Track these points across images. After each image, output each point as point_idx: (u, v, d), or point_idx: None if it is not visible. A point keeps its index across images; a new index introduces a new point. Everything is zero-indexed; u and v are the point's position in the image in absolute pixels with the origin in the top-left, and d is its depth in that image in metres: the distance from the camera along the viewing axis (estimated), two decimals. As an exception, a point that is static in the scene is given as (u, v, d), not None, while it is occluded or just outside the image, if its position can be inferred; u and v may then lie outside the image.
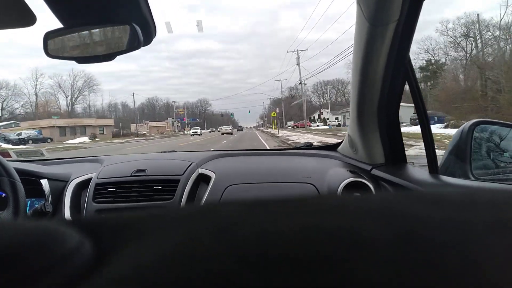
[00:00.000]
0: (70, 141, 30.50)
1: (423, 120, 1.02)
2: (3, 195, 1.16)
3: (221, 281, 0.16)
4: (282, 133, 26.45)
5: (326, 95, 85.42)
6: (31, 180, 1.35)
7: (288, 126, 55.51)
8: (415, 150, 5.15)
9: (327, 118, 61.60)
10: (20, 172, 1.24)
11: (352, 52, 1.12)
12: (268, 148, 6.32)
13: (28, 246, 0.19)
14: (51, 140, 34.04)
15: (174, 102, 76.15)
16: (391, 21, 0.89)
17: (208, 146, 15.61)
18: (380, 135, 1.17)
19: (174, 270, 0.17)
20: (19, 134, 31.70)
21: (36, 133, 34.41)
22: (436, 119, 21.97)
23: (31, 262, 0.18)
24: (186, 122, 71.59)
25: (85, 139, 34.57)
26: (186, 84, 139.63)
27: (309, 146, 1.82)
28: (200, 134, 42.14)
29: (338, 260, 0.17)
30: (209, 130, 72.35)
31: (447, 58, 46.52)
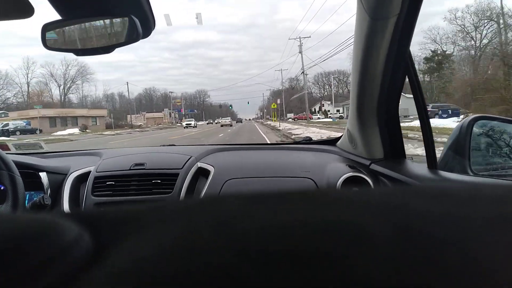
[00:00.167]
0: (58, 133, 28.62)
1: (423, 115, 1.02)
2: (2, 188, 1.15)
3: (221, 275, 0.16)
4: (283, 126, 24.81)
5: (327, 87, 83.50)
6: (30, 173, 1.34)
7: (289, 119, 53.81)
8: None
9: (328, 110, 60.02)
10: (19, 165, 1.23)
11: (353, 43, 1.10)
12: (268, 142, 6.13)
13: (26, 239, 0.19)
14: (40, 131, 32.31)
15: (171, 92, 74.21)
16: (392, 15, 0.89)
17: (202, 140, 14.03)
18: (379, 130, 1.17)
19: (173, 264, 0.17)
20: (6, 125, 30.66)
21: (25, 123, 32.85)
22: (450, 112, 20.17)
23: (30, 255, 0.18)
24: (183, 113, 69.79)
25: (75, 130, 32.85)
26: (185, 75, 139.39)
27: (308, 140, 1.82)
28: (195, 127, 39.20)
29: (338, 255, 0.17)
30: (207, 122, 70.56)
31: (455, 48, 44.21)
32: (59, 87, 57.75)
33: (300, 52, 30.94)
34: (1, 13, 0.69)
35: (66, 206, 1.32)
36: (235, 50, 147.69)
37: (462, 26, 41.04)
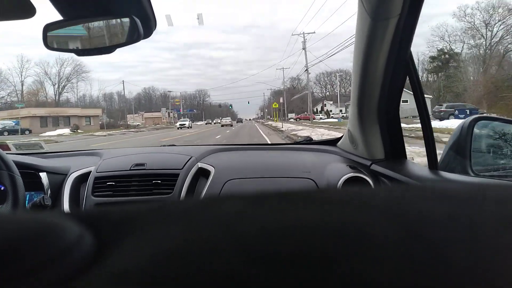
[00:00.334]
0: (47, 133, 26.80)
1: (423, 115, 1.02)
2: (2, 188, 1.15)
3: (222, 277, 0.16)
4: (286, 126, 23.14)
5: (329, 86, 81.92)
6: (30, 173, 1.33)
7: (290, 119, 52.16)
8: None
9: (330, 110, 58.55)
10: (19, 165, 1.23)
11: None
12: (269, 143, 5.89)
13: (27, 239, 0.19)
14: (30, 131, 30.71)
15: (170, 91, 72.60)
16: (393, 16, 0.88)
17: (196, 143, 12.31)
18: (380, 131, 1.17)
19: (175, 265, 0.17)
20: (-6, 125, 28.84)
21: (14, 123, 31.29)
22: (468, 112, 18.48)
23: (30, 255, 0.18)
24: (182, 113, 68.17)
25: (66, 131, 31.08)
26: (185, 75, 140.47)
27: (308, 141, 1.81)
28: (190, 127, 35.91)
29: (340, 257, 0.17)
30: (205, 122, 68.84)
31: (464, 46, 42.44)
32: (54, 86, 56.00)
33: (304, 48, 29.44)
34: (3, 13, 0.70)
35: (66, 207, 1.32)
36: (235, 50, 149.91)
37: (472, 23, 39.22)
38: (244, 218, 0.21)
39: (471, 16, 38.71)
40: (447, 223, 0.20)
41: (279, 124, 29.37)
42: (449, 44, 42.85)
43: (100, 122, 44.62)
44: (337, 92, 76.19)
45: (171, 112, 69.99)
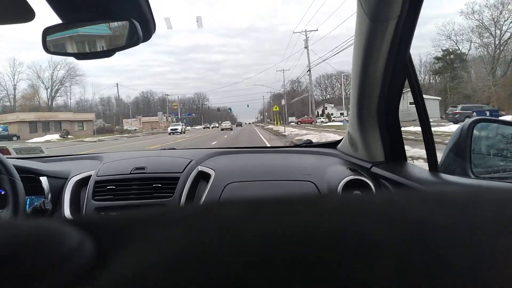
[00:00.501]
0: (34, 139, 25.13)
1: (423, 118, 1.01)
2: (3, 192, 1.15)
3: (223, 283, 0.16)
4: (288, 130, 21.50)
5: (329, 89, 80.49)
6: (30, 178, 1.33)
7: (291, 122, 50.53)
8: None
9: (332, 114, 57.01)
10: (20, 169, 1.23)
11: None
12: (269, 146, 5.78)
13: (27, 246, 0.19)
14: (18, 137, 29.23)
15: (167, 95, 70.90)
16: (392, 18, 0.88)
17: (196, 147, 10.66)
18: (380, 133, 1.17)
19: (176, 272, 0.17)
20: (-20, 131, 27.31)
21: (1, 129, 29.62)
22: (488, 114, 16.73)
23: (31, 262, 0.18)
24: (180, 117, 66.56)
25: (55, 136, 29.54)
26: (184, 79, 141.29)
27: (309, 143, 1.81)
28: (182, 132, 33.17)
29: (342, 263, 0.17)
30: (203, 126, 67.11)
31: (471, 45, 40.80)
32: (47, 89, 54.26)
33: (306, 47, 27.90)
34: (2, 17, 0.70)
35: (66, 211, 1.31)
36: (234, 53, 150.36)
37: (480, 21, 37.64)
38: (243, 223, 0.21)
39: (479, 14, 37.12)
40: (447, 227, 0.20)
41: (280, 128, 27.76)
42: (456, 43, 41.26)
43: (94, 127, 42.98)
44: (337, 95, 74.26)
45: (169, 116, 68.50)
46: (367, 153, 1.27)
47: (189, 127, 65.80)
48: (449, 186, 0.87)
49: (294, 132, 18.75)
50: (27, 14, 0.68)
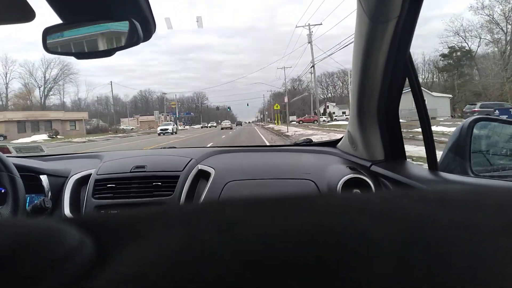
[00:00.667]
0: (20, 140, 23.59)
1: (423, 116, 1.01)
2: (3, 190, 1.15)
3: (224, 283, 0.16)
4: (291, 130, 19.86)
5: (331, 88, 78.85)
6: (30, 176, 1.33)
7: (292, 121, 48.85)
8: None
9: (333, 112, 55.35)
10: (20, 167, 1.23)
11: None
12: (268, 144, 5.69)
13: (28, 245, 0.19)
14: (4, 137, 27.51)
15: (165, 93, 68.95)
16: (392, 18, 0.88)
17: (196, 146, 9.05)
18: (380, 132, 1.17)
19: (176, 271, 0.17)
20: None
21: (-13, 129, 28.00)
22: (512, 112, 15.06)
23: (31, 261, 0.17)
24: (178, 116, 64.88)
25: (43, 136, 27.87)
26: (185, 79, 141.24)
27: (308, 142, 1.80)
28: (174, 133, 30.14)
29: (343, 263, 0.17)
30: (201, 125, 65.41)
31: (480, 42, 39.04)
32: (39, 88, 52.34)
33: (310, 42, 26.20)
34: (3, 17, 0.70)
35: (67, 209, 1.31)
36: (235, 53, 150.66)
37: (490, 16, 35.90)
38: (243, 222, 0.21)
39: (489, 8, 35.35)
40: (447, 226, 0.20)
41: (282, 128, 26.08)
42: (464, 40, 39.56)
43: (88, 126, 41.30)
44: (339, 94, 72.69)
45: (168, 115, 66.83)
46: (367, 152, 1.27)
47: (187, 127, 64.24)
48: (449, 185, 0.88)
49: (298, 132, 17.17)
50: (27, 14, 0.68)
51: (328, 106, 59.66)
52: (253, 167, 1.45)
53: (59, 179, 1.38)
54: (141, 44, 0.75)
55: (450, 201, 0.23)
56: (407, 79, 1.02)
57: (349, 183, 1.18)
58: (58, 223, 0.22)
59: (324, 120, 41.67)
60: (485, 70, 33.77)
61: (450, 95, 30.42)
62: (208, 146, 10.44)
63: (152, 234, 0.21)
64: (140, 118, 64.72)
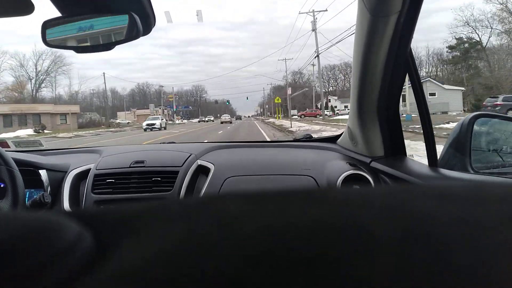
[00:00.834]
0: (2, 135, 22.12)
1: (423, 112, 1.01)
2: (2, 185, 1.15)
3: (223, 277, 0.16)
4: (295, 125, 18.17)
5: (332, 81, 77.08)
6: (29, 171, 1.32)
7: (293, 115, 47.17)
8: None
9: (335, 106, 53.64)
10: (19, 162, 1.22)
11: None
12: (268, 140, 5.43)
13: (27, 239, 0.19)
14: (-15, 133, 25.72)
15: (162, 86, 67.18)
16: (393, 13, 0.88)
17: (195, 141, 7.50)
18: (380, 128, 1.16)
19: (176, 265, 0.17)
20: None
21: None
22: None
23: (30, 255, 0.17)
24: (176, 109, 63.13)
25: (27, 131, 26.08)
26: (184, 72, 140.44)
27: (308, 138, 1.79)
28: (162, 128, 26.52)
29: (343, 257, 0.17)
30: (198, 120, 63.54)
31: (491, 32, 37.07)
32: (31, 80, 49.96)
33: (314, 29, 24.40)
34: (2, 10, 0.69)
35: (66, 204, 1.31)
36: (234, 47, 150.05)
37: (504, 4, 33.95)
38: (243, 217, 0.21)
39: (503, -5, 33.41)
40: (448, 221, 0.20)
41: (284, 122, 24.38)
42: (475, 30, 37.64)
43: (80, 120, 39.54)
44: (340, 87, 70.76)
45: (165, 109, 65.06)
46: (367, 148, 1.27)
47: (185, 121, 62.54)
48: (449, 181, 0.87)
49: (303, 127, 15.38)
50: (26, 7, 0.67)
51: (330, 99, 57.95)
52: (252, 163, 1.45)
53: (58, 174, 1.38)
54: (140, 37, 0.74)
55: (450, 197, 0.23)
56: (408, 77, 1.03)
57: (349, 179, 1.18)
58: (57, 217, 0.22)
59: (326, 115, 40.06)
60: (498, 62, 31.87)
61: (463, 88, 28.75)
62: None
63: (152, 228, 0.21)
64: (138, 111, 62.98)
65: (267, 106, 72.85)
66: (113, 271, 0.17)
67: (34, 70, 48.64)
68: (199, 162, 1.40)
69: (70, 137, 20.86)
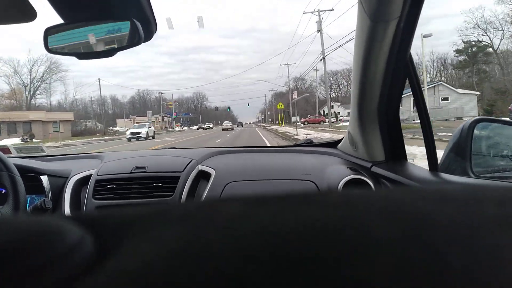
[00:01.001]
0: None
1: (423, 116, 1.01)
2: (3, 191, 1.15)
3: (223, 280, 0.16)
4: (300, 132, 16.61)
5: (335, 87, 75.78)
6: (31, 177, 1.33)
7: (294, 122, 45.66)
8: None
9: (339, 112, 52.27)
10: (20, 168, 1.22)
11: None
12: (269, 145, 5.63)
13: (28, 242, 0.19)
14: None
15: (161, 93, 65.70)
16: (393, 18, 0.88)
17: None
18: (380, 132, 1.16)
19: (177, 268, 0.17)
20: None
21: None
22: None
23: (32, 258, 0.17)
24: (175, 116, 61.73)
25: (13, 140, 24.53)
26: (185, 79, 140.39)
27: (309, 143, 1.80)
28: (149, 137, 23.68)
29: (342, 260, 0.17)
30: (197, 127, 62.01)
31: (503, 34, 35.54)
32: (25, 87, 48.37)
33: (319, 30, 22.92)
34: (4, 17, 0.70)
35: (67, 210, 1.31)
36: (235, 54, 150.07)
37: (517, 4, 32.43)
38: (244, 220, 0.21)
39: (516, -3, 31.99)
40: (446, 225, 0.20)
41: (287, 129, 22.80)
42: (485, 32, 36.14)
43: (75, 128, 38.07)
44: (343, 93, 69.39)
45: (165, 116, 63.72)
46: (368, 153, 1.27)
47: (185, 128, 61.14)
48: (449, 185, 0.87)
49: (311, 135, 13.73)
50: (29, 14, 0.68)
51: (333, 106, 56.52)
52: (253, 168, 1.45)
53: (59, 180, 1.38)
54: (142, 44, 0.74)
55: (449, 199, 0.24)
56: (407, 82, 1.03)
57: (350, 184, 1.18)
58: (58, 220, 0.22)
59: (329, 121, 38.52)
60: (510, 66, 30.27)
61: (478, 92, 27.17)
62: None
63: (152, 232, 0.21)
64: (137, 118, 61.66)
65: (269, 113, 71.45)
66: (113, 274, 0.17)
67: (29, 76, 47.34)
68: (200, 167, 1.40)
69: (57, 147, 19.38)
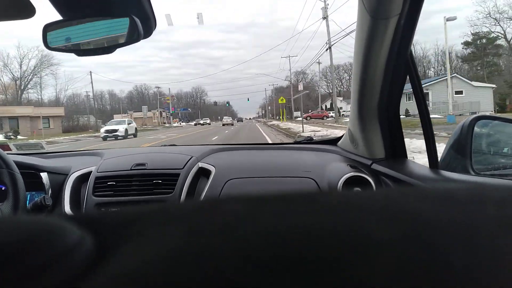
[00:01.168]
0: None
1: (424, 113, 1.01)
2: (3, 188, 1.15)
3: (223, 281, 0.16)
4: (306, 129, 14.92)
5: (337, 81, 73.93)
6: (30, 173, 1.33)
7: (297, 117, 43.90)
8: None
9: (341, 108, 50.57)
10: (20, 165, 1.22)
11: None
12: (269, 142, 5.51)
13: (28, 242, 0.19)
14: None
15: (159, 88, 63.73)
16: (393, 15, 0.88)
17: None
18: (380, 130, 1.16)
19: (176, 268, 0.17)
20: None
21: None
22: None
23: (31, 258, 0.17)
24: (172, 112, 59.97)
25: (-4, 138, 22.95)
26: (185, 75, 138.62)
27: (309, 140, 1.80)
28: (130, 136, 20.17)
29: (344, 261, 0.17)
30: (194, 123, 60.26)
31: (515, 25, 33.55)
32: (16, 81, 46.24)
33: (325, 17, 21.12)
34: (3, 13, 0.70)
35: (67, 207, 1.31)
36: (235, 49, 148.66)
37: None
38: (244, 220, 0.21)
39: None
40: (447, 224, 0.20)
41: (290, 125, 21.13)
42: (498, 22, 34.26)
43: (66, 123, 36.38)
44: (345, 88, 67.63)
45: (164, 111, 61.98)
46: (368, 150, 1.26)
47: (184, 123, 59.50)
48: (450, 184, 0.87)
49: (320, 132, 12.13)
50: (27, 11, 0.68)
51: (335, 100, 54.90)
52: (253, 165, 1.45)
53: (59, 177, 1.38)
54: (142, 40, 0.74)
55: (450, 199, 0.23)
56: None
57: (350, 181, 1.18)
58: (57, 220, 0.22)
59: (332, 116, 36.88)
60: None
61: (494, 85, 25.49)
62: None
63: (152, 231, 0.21)
64: (134, 114, 59.95)
65: (269, 108, 69.68)
66: (113, 274, 0.17)
67: (20, 70, 45.41)
68: (200, 164, 1.40)
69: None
